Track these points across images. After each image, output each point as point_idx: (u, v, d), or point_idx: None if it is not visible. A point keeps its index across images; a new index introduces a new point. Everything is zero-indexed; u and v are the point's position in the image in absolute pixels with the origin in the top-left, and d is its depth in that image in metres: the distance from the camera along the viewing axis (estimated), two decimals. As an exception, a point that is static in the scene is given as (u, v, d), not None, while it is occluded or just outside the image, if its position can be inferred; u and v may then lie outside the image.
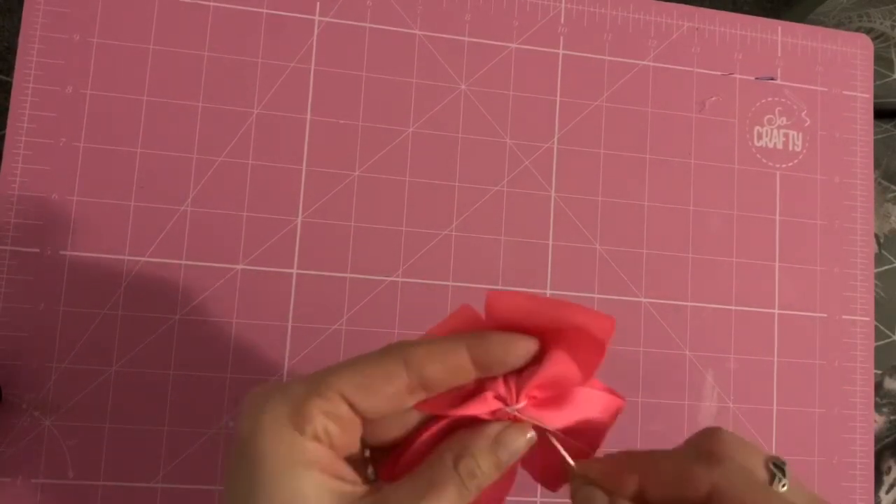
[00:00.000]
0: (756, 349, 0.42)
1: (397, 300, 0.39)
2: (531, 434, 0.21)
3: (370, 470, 0.22)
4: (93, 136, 0.37)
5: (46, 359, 0.35)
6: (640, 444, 0.40)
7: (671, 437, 0.40)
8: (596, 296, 0.40)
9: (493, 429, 0.20)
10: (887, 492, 0.44)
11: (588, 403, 0.21)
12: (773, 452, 0.25)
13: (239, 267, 0.37)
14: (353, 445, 0.20)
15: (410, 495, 0.19)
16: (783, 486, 0.20)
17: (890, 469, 0.45)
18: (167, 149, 0.37)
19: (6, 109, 0.36)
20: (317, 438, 0.19)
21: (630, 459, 0.21)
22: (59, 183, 0.36)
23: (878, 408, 0.45)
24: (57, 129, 0.37)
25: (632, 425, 0.40)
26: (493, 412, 0.20)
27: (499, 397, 0.20)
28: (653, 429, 0.40)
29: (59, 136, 0.37)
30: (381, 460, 0.22)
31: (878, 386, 0.45)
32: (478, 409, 0.20)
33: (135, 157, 0.37)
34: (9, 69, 0.38)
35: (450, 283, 0.39)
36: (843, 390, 0.42)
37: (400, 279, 0.39)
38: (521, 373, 0.21)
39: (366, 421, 0.20)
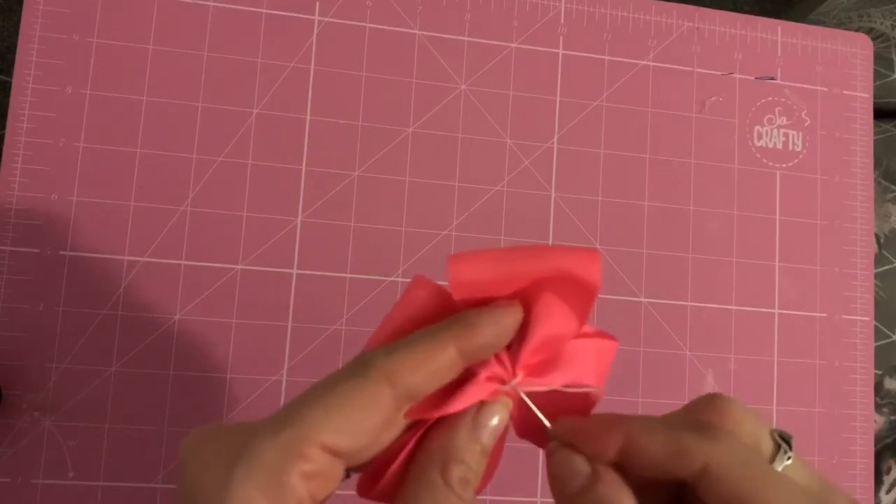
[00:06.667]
0: (756, 349, 0.42)
1: (397, 300, 0.38)
2: (506, 401, 0.19)
3: None
4: (93, 136, 0.37)
5: (46, 359, 0.35)
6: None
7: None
8: (596, 296, 0.40)
9: (467, 416, 0.18)
10: (887, 492, 0.44)
11: (584, 353, 0.19)
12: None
13: (239, 267, 0.37)
14: (334, 486, 0.18)
15: None
16: (788, 458, 0.18)
17: (890, 469, 0.44)
18: (167, 149, 0.37)
19: (6, 109, 0.36)
20: None
21: (616, 421, 0.18)
22: (58, 183, 0.36)
23: (878, 408, 0.45)
24: (57, 129, 0.37)
25: (632, 425, 0.40)
26: (491, 394, 0.18)
27: (493, 377, 0.18)
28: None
29: (59, 136, 0.37)
30: (360, 477, 0.19)
31: (878, 386, 0.45)
32: (473, 396, 0.18)
33: (135, 157, 0.37)
34: (9, 69, 0.38)
35: (450, 283, 0.39)
36: (843, 390, 0.42)
37: (400, 279, 0.39)
38: (510, 344, 0.19)
39: (348, 457, 0.17)
